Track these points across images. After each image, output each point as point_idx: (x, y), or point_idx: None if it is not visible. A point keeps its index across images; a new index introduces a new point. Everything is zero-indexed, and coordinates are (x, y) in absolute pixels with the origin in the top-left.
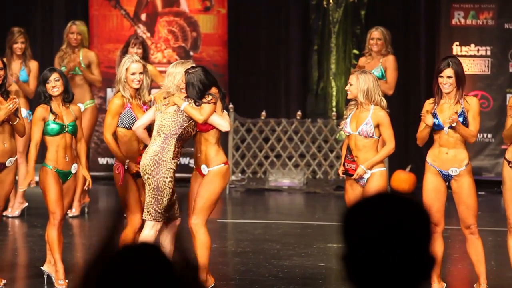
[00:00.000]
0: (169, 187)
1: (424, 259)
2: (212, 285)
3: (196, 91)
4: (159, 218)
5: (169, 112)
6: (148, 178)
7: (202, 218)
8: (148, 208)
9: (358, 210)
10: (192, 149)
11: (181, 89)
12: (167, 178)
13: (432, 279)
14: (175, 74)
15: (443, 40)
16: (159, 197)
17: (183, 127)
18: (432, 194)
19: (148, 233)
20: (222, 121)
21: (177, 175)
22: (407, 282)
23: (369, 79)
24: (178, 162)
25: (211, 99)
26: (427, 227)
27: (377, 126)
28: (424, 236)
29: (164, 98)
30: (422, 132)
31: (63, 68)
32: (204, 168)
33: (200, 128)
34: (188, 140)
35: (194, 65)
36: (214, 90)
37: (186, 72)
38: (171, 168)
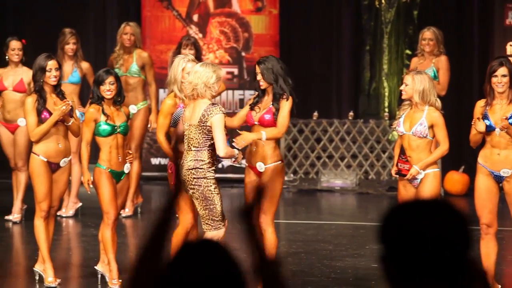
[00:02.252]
0: (217, 193)
1: (461, 263)
2: None
3: (275, 75)
4: (219, 226)
5: (194, 124)
6: (193, 192)
7: (269, 217)
8: (205, 221)
9: (397, 213)
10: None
11: (210, 88)
12: (211, 186)
13: None
14: (201, 73)
15: (497, 40)
16: (211, 206)
17: (209, 137)
18: (484, 195)
19: None
20: (222, 145)
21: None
22: (444, 284)
23: (425, 80)
24: (215, 167)
25: (288, 97)
26: (465, 232)
27: (431, 126)
28: (462, 241)
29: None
30: (475, 136)
31: (116, 70)
32: (260, 165)
33: (261, 122)
34: None
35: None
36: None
37: (258, 62)
38: (211, 176)
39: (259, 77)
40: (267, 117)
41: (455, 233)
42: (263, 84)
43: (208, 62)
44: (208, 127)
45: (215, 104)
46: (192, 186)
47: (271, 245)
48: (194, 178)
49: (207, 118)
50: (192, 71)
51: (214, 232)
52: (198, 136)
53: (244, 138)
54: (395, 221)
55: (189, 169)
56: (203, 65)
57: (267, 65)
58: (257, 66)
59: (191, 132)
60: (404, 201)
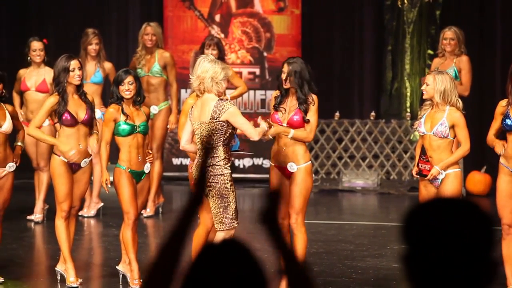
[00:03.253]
0: (232, 190)
1: (485, 264)
2: None
3: (301, 80)
4: (232, 224)
5: (206, 122)
6: (209, 190)
7: (302, 217)
8: (219, 219)
9: (420, 212)
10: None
11: (217, 83)
12: (227, 183)
13: (508, 281)
14: (208, 68)
15: None
16: (226, 204)
17: (223, 131)
18: (506, 196)
19: None
20: (251, 129)
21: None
22: (467, 285)
23: (446, 80)
24: (231, 164)
25: (314, 102)
26: (489, 233)
27: (452, 127)
28: (486, 241)
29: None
30: (491, 142)
31: (139, 71)
32: (292, 166)
33: (291, 124)
34: (232, 138)
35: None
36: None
37: (288, 63)
38: (227, 173)
39: (284, 76)
40: (296, 118)
41: (479, 233)
42: (287, 84)
43: (218, 60)
44: (221, 123)
45: (223, 99)
46: (208, 184)
47: (304, 245)
48: (211, 175)
49: (219, 114)
50: (200, 66)
51: (226, 232)
52: (212, 134)
53: (274, 131)
54: (418, 220)
55: (206, 167)
56: (212, 62)
57: (295, 67)
58: (286, 65)
59: (203, 130)
60: (427, 200)
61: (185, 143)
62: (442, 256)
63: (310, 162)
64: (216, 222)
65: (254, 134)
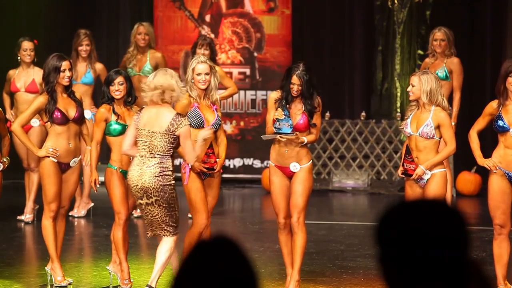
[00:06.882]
0: (176, 198)
1: (458, 263)
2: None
3: (312, 88)
4: (177, 231)
5: (160, 132)
6: (157, 199)
7: (304, 216)
8: (163, 227)
9: (393, 214)
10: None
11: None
12: (173, 192)
13: (498, 281)
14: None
15: (510, 40)
16: (172, 212)
17: (174, 145)
18: (498, 196)
19: (170, 247)
20: (191, 155)
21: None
22: (441, 285)
23: (432, 79)
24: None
25: (320, 107)
26: (461, 232)
27: (437, 127)
28: (458, 241)
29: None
30: (472, 146)
31: (129, 70)
32: (295, 166)
33: (298, 128)
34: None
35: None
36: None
37: (299, 76)
38: (173, 183)
39: (296, 88)
40: (302, 121)
41: (451, 233)
42: (296, 93)
43: (167, 71)
44: (175, 137)
45: (181, 114)
46: (156, 194)
47: (304, 244)
48: (161, 185)
49: (176, 128)
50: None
51: (174, 237)
52: (164, 144)
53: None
54: (390, 222)
55: (156, 176)
56: (161, 72)
57: (306, 77)
58: (296, 78)
59: (155, 139)
60: (400, 202)
61: (128, 148)
62: (415, 256)
63: (311, 161)
64: (161, 229)
65: (191, 159)
